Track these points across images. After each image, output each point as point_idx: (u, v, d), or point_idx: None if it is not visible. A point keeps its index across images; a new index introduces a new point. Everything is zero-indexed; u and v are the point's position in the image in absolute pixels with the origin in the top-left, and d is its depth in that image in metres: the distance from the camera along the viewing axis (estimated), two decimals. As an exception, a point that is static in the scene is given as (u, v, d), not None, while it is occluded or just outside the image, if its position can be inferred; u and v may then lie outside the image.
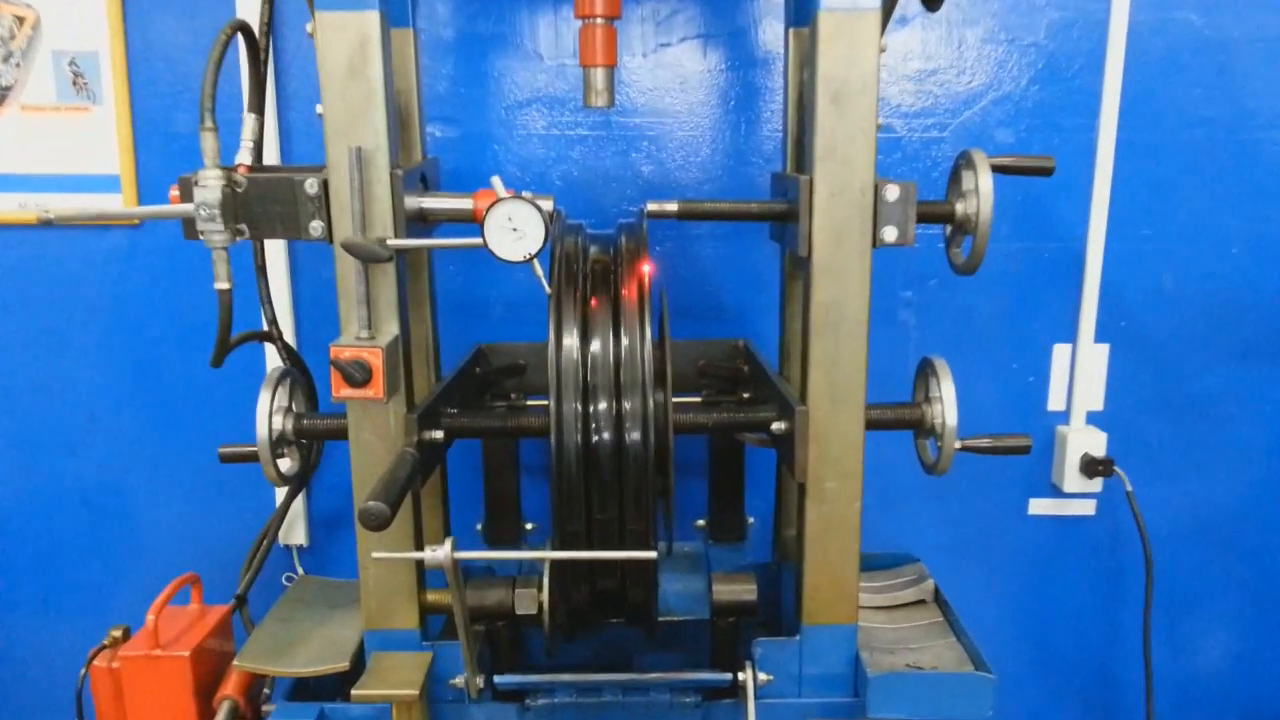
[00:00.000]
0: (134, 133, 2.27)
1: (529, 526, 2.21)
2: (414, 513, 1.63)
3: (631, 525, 1.45)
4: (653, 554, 1.40)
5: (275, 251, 2.26)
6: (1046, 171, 1.68)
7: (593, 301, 1.49)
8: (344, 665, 1.66)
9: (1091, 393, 2.42)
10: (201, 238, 1.55)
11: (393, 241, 1.50)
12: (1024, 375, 2.44)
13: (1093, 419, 2.43)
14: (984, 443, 1.69)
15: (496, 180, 1.44)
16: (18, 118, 2.28)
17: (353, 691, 1.55)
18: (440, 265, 2.14)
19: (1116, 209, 2.32)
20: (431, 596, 1.78)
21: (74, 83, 2.27)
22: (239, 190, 1.56)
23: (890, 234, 1.58)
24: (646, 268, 1.49)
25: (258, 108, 1.70)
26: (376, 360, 1.47)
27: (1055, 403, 2.44)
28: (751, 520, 2.26)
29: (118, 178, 2.29)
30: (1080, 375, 2.40)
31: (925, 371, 1.75)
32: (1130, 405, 2.44)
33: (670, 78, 2.27)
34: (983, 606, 2.55)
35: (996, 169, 1.64)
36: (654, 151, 2.31)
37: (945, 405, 1.66)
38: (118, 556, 2.48)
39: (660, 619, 1.89)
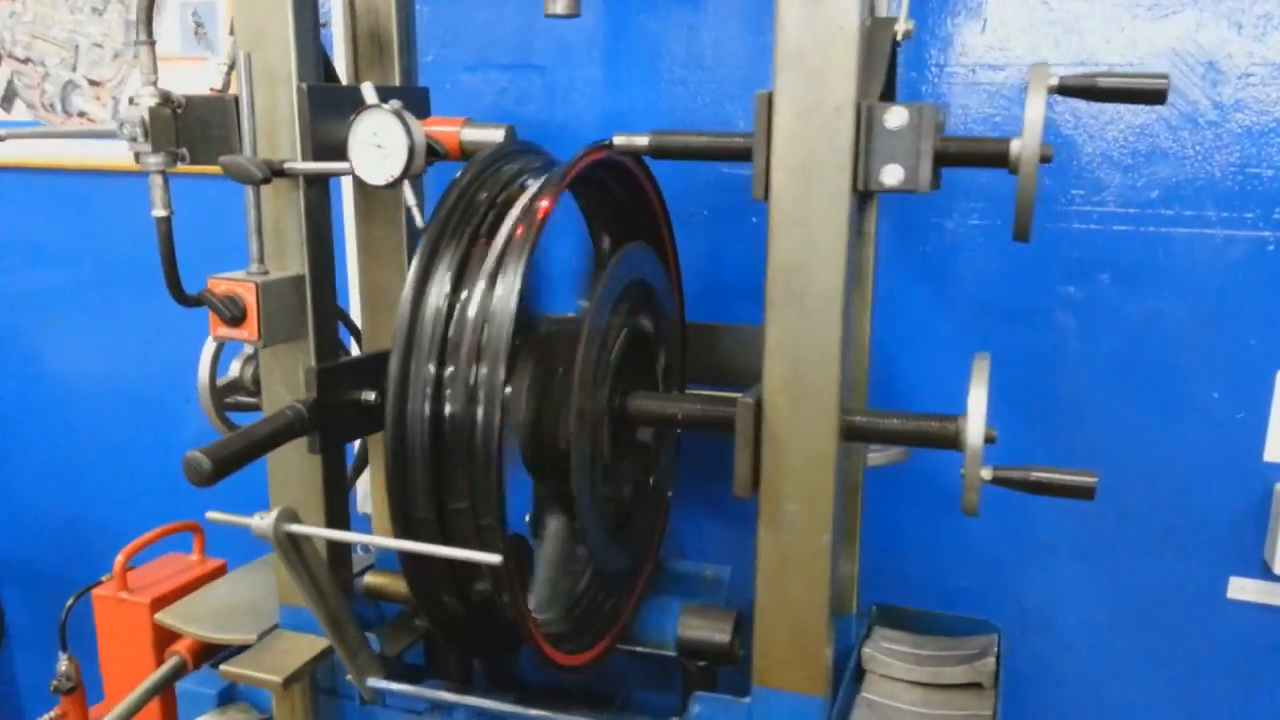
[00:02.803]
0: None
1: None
2: (325, 482, 1.43)
3: (484, 519, 1.15)
4: (494, 558, 1.10)
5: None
6: (1155, 97, 1.16)
7: (481, 241, 1.21)
8: (250, 638, 1.50)
9: (1331, 442, 1.75)
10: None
11: (295, 164, 1.31)
12: (1230, 410, 1.80)
13: (1329, 478, 1.76)
14: (1018, 475, 1.20)
15: (366, 86, 1.21)
16: (151, 68, 2.36)
17: (222, 666, 1.39)
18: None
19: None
20: (371, 579, 1.58)
21: (196, 32, 2.32)
22: (179, 111, 1.45)
23: (893, 175, 1.15)
24: (544, 203, 1.18)
25: (238, 28, 1.58)
26: (250, 296, 1.30)
27: (1275, 451, 1.79)
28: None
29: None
30: (1315, 417, 1.74)
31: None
32: (1390, 464, 1.74)
33: None
34: (1157, 712, 1.94)
35: (1066, 91, 1.16)
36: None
37: (969, 418, 1.20)
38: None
39: (637, 649, 1.59)
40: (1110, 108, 1.77)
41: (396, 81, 1.56)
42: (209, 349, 1.56)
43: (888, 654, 1.51)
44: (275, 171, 1.29)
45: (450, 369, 1.17)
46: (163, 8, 2.33)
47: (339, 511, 1.47)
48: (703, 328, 1.75)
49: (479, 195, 1.25)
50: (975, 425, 1.19)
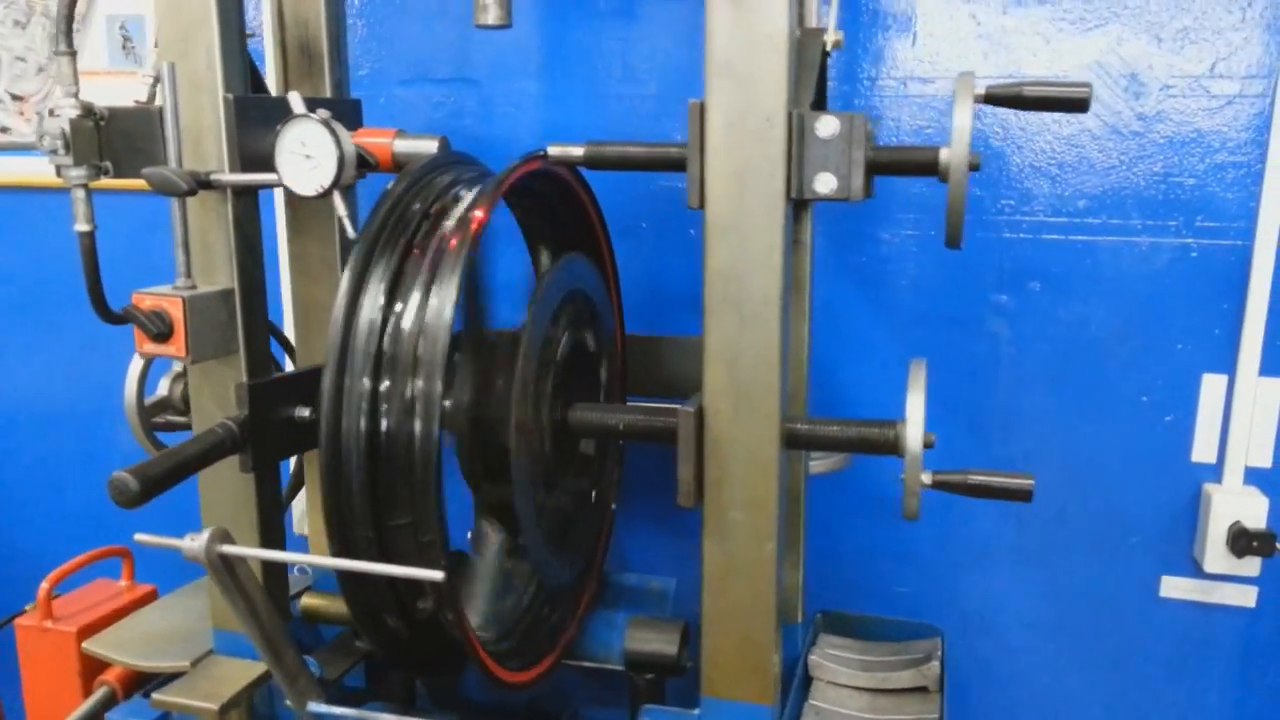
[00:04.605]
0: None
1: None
2: (259, 502, 1.40)
3: (425, 536, 1.13)
4: (436, 575, 1.08)
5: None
6: (1078, 105, 1.19)
7: (415, 253, 1.20)
8: (184, 665, 1.45)
9: (1255, 442, 1.79)
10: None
11: (222, 176, 1.29)
12: (1158, 413, 1.85)
13: (1255, 478, 1.80)
14: (957, 479, 1.22)
15: (294, 96, 1.19)
16: (77, 82, 2.31)
17: (154, 695, 1.34)
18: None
19: (1300, 194, 1.70)
20: (309, 601, 1.55)
21: (124, 46, 2.27)
22: (102, 123, 1.42)
23: (826, 184, 1.16)
24: (478, 214, 1.17)
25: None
26: (177, 311, 1.26)
27: (1202, 452, 1.83)
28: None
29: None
30: (1239, 417, 1.79)
31: (909, 380, 1.30)
32: (1312, 463, 1.79)
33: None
34: (1096, 709, 1.97)
35: (993, 100, 1.18)
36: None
37: (908, 423, 1.21)
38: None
39: (584, 664, 1.57)
40: (1037, 119, 1.81)
41: (327, 93, 1.54)
42: (135, 367, 1.52)
43: (834, 660, 1.51)
44: (201, 183, 1.27)
45: (386, 383, 1.15)
46: (90, 21, 2.28)
47: (274, 532, 1.44)
48: (643, 340, 1.75)
49: (412, 206, 1.24)
50: (914, 430, 1.20)
